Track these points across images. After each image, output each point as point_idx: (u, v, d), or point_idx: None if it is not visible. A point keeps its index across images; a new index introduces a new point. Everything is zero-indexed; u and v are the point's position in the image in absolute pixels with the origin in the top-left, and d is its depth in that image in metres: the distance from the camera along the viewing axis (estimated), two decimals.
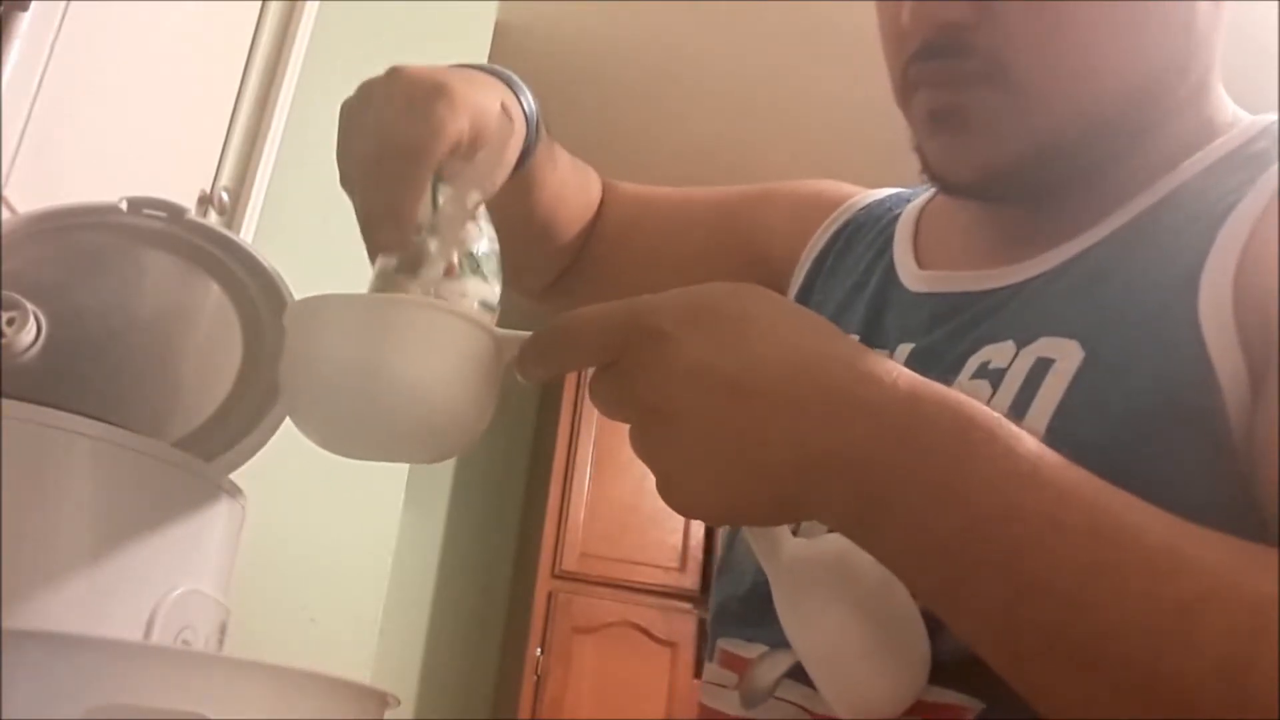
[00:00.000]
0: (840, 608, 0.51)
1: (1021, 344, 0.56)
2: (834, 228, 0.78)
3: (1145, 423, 0.49)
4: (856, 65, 2.61)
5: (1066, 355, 0.53)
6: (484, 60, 2.25)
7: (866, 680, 0.50)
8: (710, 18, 2.65)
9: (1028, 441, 0.42)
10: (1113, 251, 0.57)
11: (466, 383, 0.48)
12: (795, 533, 0.56)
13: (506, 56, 2.61)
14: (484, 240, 0.56)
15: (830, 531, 0.48)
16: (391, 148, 0.52)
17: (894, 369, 0.44)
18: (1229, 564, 0.40)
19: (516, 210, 0.63)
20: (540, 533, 3.37)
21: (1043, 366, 0.54)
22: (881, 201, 0.78)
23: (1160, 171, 0.59)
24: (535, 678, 3.16)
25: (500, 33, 2.44)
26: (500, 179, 0.58)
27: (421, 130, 0.52)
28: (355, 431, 0.50)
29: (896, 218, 0.74)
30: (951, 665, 0.50)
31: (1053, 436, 0.51)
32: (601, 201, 0.85)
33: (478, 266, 0.54)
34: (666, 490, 0.45)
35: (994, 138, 0.58)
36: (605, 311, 0.46)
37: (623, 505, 3.33)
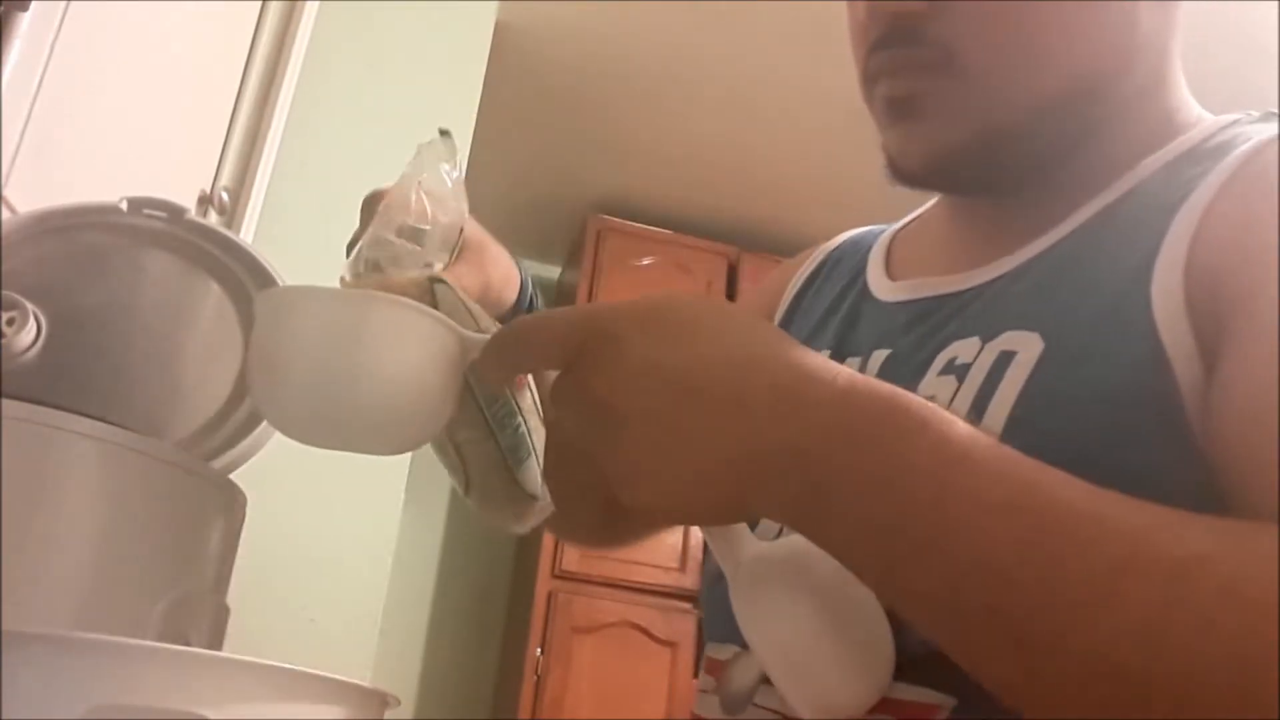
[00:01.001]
0: (795, 605, 0.51)
1: (986, 339, 0.57)
2: (814, 265, 0.80)
3: (1101, 408, 0.50)
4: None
5: (1027, 347, 0.55)
6: (484, 60, 2.25)
7: (825, 678, 0.50)
8: (710, 18, 2.64)
9: (960, 428, 0.43)
10: (1074, 246, 0.59)
11: (431, 380, 0.49)
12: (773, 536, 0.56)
13: (506, 56, 2.61)
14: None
15: (782, 531, 0.47)
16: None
17: (834, 367, 0.45)
18: (1152, 528, 0.40)
19: None
20: (540, 532, 3.36)
21: (1005, 359, 0.55)
22: (859, 238, 0.80)
23: (1121, 169, 0.61)
24: (535, 678, 3.15)
25: (500, 33, 2.44)
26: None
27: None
28: (318, 421, 0.51)
29: (872, 245, 0.76)
30: (922, 661, 0.50)
31: (1015, 425, 0.52)
32: None
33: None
34: (620, 489, 0.46)
35: (942, 124, 0.60)
36: (561, 315, 0.48)
37: None
